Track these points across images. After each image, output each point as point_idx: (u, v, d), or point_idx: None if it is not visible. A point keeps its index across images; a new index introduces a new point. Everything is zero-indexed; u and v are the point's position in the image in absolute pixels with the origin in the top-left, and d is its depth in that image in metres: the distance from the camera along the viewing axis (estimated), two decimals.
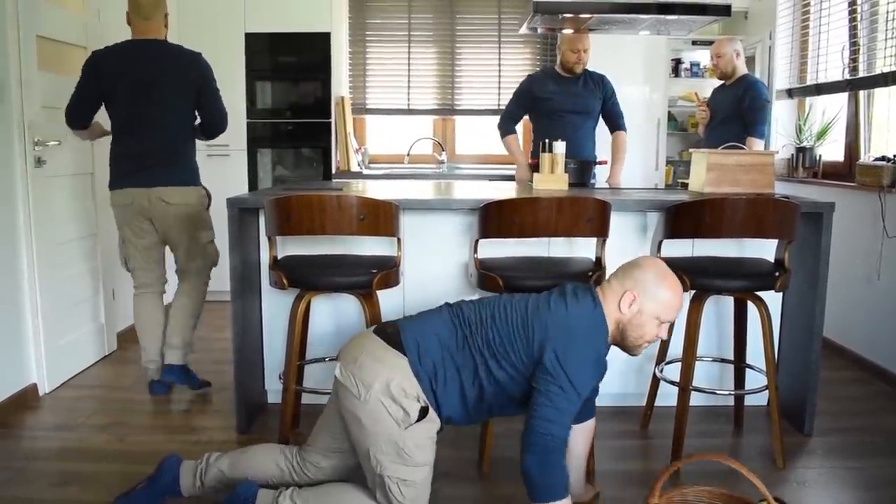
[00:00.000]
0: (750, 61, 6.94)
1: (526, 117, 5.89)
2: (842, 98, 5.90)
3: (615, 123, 5.75)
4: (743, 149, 4.81)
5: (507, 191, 4.65)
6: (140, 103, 4.46)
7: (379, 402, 2.74)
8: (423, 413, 2.77)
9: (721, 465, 3.72)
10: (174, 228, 4.62)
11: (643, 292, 2.87)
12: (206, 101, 4.57)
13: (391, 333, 2.87)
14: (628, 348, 3.00)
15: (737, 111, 5.65)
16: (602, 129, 5.79)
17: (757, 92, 5.65)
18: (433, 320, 2.92)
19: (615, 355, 4.31)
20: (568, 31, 5.46)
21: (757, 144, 5.56)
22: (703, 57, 7.35)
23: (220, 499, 3.12)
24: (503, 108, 5.84)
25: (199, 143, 4.81)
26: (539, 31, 5.76)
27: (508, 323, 2.83)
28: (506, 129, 5.84)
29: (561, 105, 5.57)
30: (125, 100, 4.47)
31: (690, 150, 4.69)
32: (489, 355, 2.81)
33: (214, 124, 4.65)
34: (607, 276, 3.02)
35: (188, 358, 4.79)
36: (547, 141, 4.71)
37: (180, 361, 4.71)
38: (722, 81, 5.90)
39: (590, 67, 5.69)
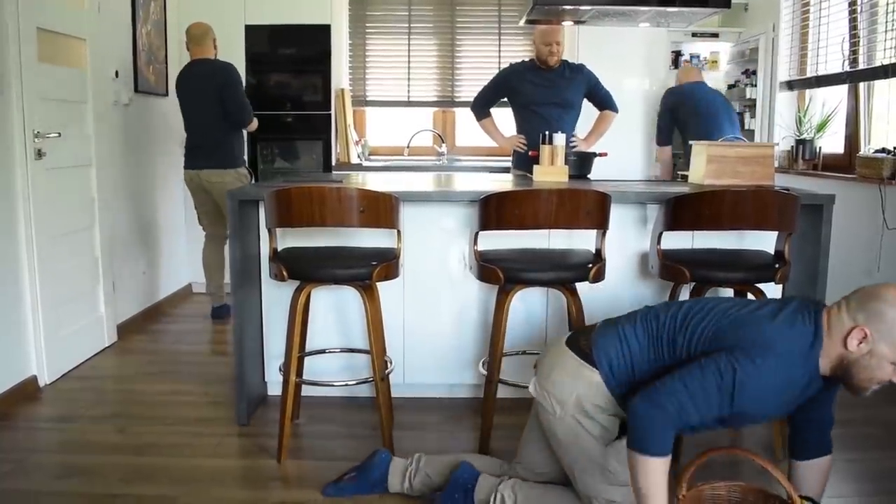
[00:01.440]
0: (752, 53, 6.93)
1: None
2: (842, 90, 5.90)
3: (605, 105, 5.69)
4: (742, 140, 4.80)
5: (508, 183, 4.64)
6: (191, 108, 5.89)
7: (574, 419, 2.66)
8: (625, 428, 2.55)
9: (727, 459, 3.73)
10: (221, 199, 5.83)
11: (878, 331, 2.36)
12: (225, 96, 5.78)
13: (583, 346, 2.74)
14: (852, 388, 2.55)
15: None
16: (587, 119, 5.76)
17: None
18: (626, 329, 2.71)
19: None
20: (542, 25, 5.44)
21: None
22: (703, 49, 7.34)
23: (428, 498, 3.20)
24: (503, 100, 5.80)
25: None
26: (539, 22, 5.74)
27: (705, 332, 2.53)
28: (480, 112, 5.78)
29: (540, 97, 5.52)
30: (184, 106, 5.94)
31: (691, 141, 4.68)
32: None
33: (234, 114, 5.85)
34: (839, 300, 2.51)
35: (220, 299, 6.20)
36: (547, 133, 4.69)
37: (216, 303, 6.23)
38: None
39: (589, 60, 5.66)
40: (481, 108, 5.76)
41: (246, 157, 6.84)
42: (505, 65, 6.62)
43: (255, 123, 6.04)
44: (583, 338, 2.78)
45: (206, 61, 5.85)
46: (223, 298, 6.19)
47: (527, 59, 5.72)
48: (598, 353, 2.66)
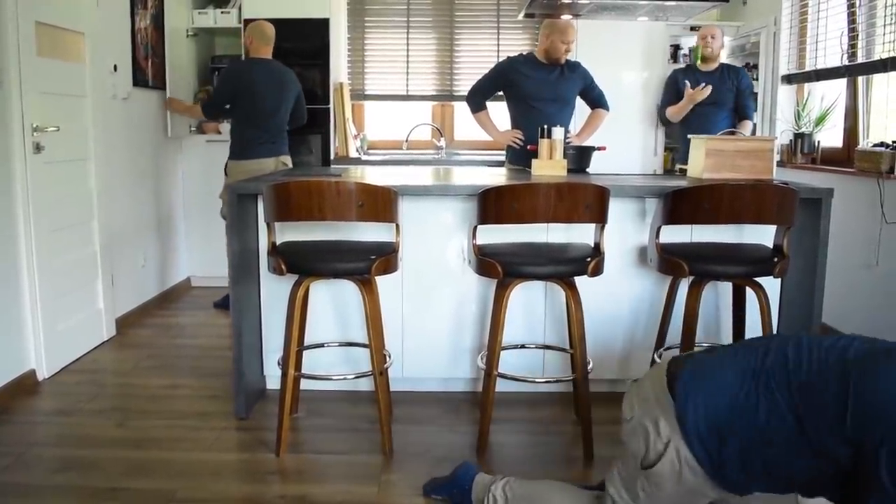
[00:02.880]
0: (753, 47, 6.92)
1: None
2: (840, 84, 5.88)
3: (597, 104, 5.71)
4: (741, 134, 4.80)
5: (506, 177, 4.63)
6: (272, 103, 6.00)
7: (640, 424, 2.39)
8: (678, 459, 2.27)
9: None
10: None
11: None
12: (300, 103, 6.19)
13: (672, 373, 2.37)
14: None
15: (729, 97, 5.90)
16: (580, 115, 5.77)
17: (748, 77, 6.01)
18: (724, 368, 2.27)
19: (613, 339, 4.33)
20: (560, 21, 5.40)
21: (750, 127, 5.81)
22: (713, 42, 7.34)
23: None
24: (501, 94, 5.78)
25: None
26: (537, 16, 5.74)
27: (818, 387, 2.05)
28: (476, 104, 5.73)
29: (538, 92, 5.50)
30: (262, 98, 5.97)
31: (689, 135, 4.68)
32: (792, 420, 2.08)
33: (303, 119, 6.30)
34: None
35: None
36: (546, 126, 4.69)
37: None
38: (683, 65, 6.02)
39: (587, 54, 5.66)
40: (478, 100, 5.72)
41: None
42: (503, 57, 6.62)
43: None
44: (674, 366, 2.42)
45: (279, 64, 6.05)
46: None
47: (525, 53, 5.70)
48: (682, 399, 2.28)
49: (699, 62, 6.08)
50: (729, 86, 5.92)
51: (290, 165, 6.10)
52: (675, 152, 6.57)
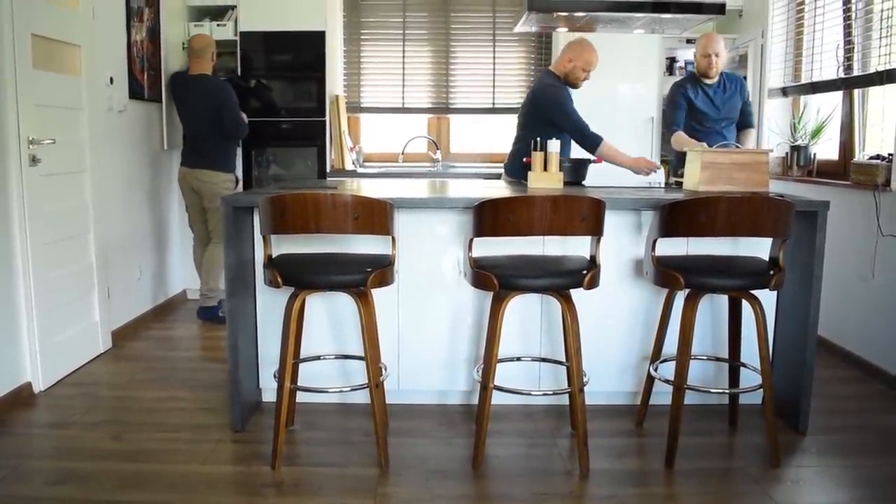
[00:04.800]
0: (742, 59, 6.95)
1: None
2: (836, 96, 5.91)
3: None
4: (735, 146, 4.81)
5: (502, 189, 4.65)
6: (190, 118, 6.36)
7: None
8: None
9: (715, 459, 3.75)
10: (207, 199, 6.24)
11: None
12: (224, 115, 6.14)
13: None
14: None
15: (738, 107, 5.84)
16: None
17: (745, 84, 5.98)
18: None
19: (609, 352, 4.35)
20: (589, 49, 5.38)
21: (754, 135, 5.85)
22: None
23: None
24: (497, 106, 5.80)
25: None
26: (533, 29, 5.75)
27: None
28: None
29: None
30: (182, 114, 6.44)
31: (687, 148, 4.69)
32: None
33: (232, 130, 6.24)
34: None
35: (210, 301, 6.31)
36: (539, 139, 4.70)
37: (202, 303, 6.37)
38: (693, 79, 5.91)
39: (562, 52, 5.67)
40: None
41: (240, 164, 6.87)
42: (499, 71, 6.69)
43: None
44: None
45: (203, 78, 6.22)
46: (211, 300, 6.33)
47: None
48: None
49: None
50: (736, 99, 5.81)
51: (207, 181, 6.21)
52: (672, 164, 6.59)
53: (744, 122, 5.92)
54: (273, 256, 3.76)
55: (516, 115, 5.72)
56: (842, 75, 5.69)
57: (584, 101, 5.47)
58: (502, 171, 5.93)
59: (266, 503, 3.34)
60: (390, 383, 4.26)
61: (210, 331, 6.09)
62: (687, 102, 5.76)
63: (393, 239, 3.73)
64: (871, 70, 5.32)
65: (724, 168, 4.34)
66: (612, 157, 5.17)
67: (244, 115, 6.26)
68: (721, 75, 5.72)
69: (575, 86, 5.44)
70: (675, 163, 5.78)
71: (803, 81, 6.36)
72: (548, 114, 5.25)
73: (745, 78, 6.77)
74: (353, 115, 7.90)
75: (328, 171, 7.05)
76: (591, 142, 5.18)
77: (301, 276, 3.58)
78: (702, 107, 5.70)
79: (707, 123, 5.72)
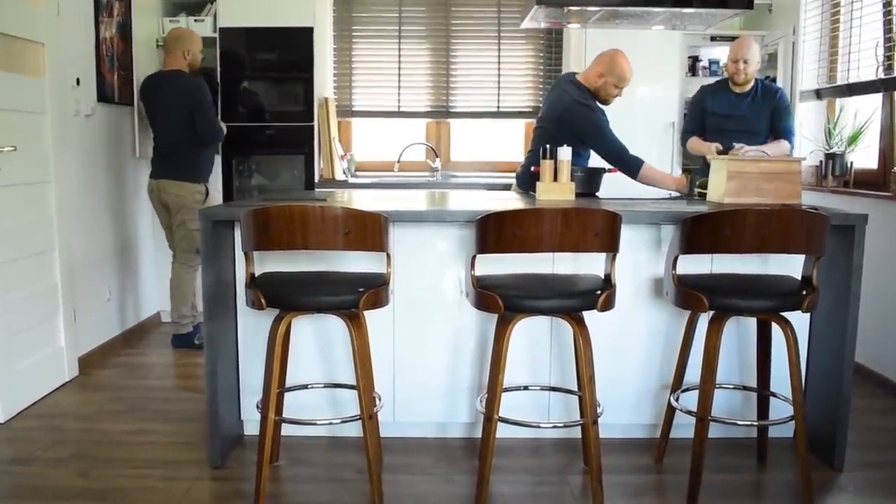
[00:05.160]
0: (772, 58, 6.97)
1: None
2: (876, 99, 5.93)
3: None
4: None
5: (507, 201, 4.67)
6: (160, 121, 6.23)
7: None
8: None
9: (742, 498, 3.75)
10: (175, 213, 6.20)
11: None
12: (197, 118, 6.07)
13: None
14: None
15: (763, 122, 5.82)
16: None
17: (786, 97, 5.95)
18: None
19: (626, 380, 4.35)
20: (623, 64, 5.41)
21: (787, 148, 5.76)
22: (722, 54, 7.37)
23: None
24: (502, 110, 5.83)
25: None
26: (542, 26, 5.78)
27: None
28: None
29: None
30: (151, 117, 6.30)
31: (701, 152, 4.70)
32: None
33: (206, 135, 6.18)
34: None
35: (183, 328, 6.34)
36: (548, 147, 4.71)
37: (175, 331, 6.40)
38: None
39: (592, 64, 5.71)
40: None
41: (219, 174, 6.89)
42: (505, 72, 6.70)
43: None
44: None
45: (175, 75, 6.16)
46: (184, 327, 6.37)
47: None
48: None
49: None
50: (763, 111, 5.82)
51: (173, 193, 6.16)
52: (695, 173, 6.62)
53: (775, 134, 5.89)
54: (256, 275, 3.78)
55: (522, 120, 5.76)
56: (881, 76, 5.71)
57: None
58: (513, 181, 5.95)
59: None
60: (385, 415, 4.27)
61: (186, 357, 6.10)
62: (702, 109, 5.89)
63: (388, 256, 3.74)
64: None
65: (753, 178, 4.35)
66: (655, 179, 5.24)
67: (221, 122, 6.29)
68: (757, 84, 5.76)
69: (606, 102, 5.42)
70: (701, 171, 5.81)
71: (839, 83, 6.38)
72: (580, 135, 5.24)
73: (773, 80, 6.80)
74: (344, 120, 7.93)
75: (317, 181, 7.07)
76: (632, 166, 5.20)
77: (287, 296, 3.60)
78: (719, 112, 5.79)
79: (723, 130, 5.75)
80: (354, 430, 4.24)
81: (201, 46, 6.30)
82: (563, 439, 4.40)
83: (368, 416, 3.68)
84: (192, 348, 6.26)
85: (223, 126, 6.32)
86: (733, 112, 5.77)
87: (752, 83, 5.80)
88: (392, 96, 7.95)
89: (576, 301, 3.62)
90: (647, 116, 6.83)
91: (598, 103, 5.35)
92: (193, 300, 6.33)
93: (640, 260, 4.27)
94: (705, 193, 4.80)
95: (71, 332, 5.47)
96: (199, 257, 6.01)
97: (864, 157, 6.08)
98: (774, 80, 6.90)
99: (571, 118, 5.30)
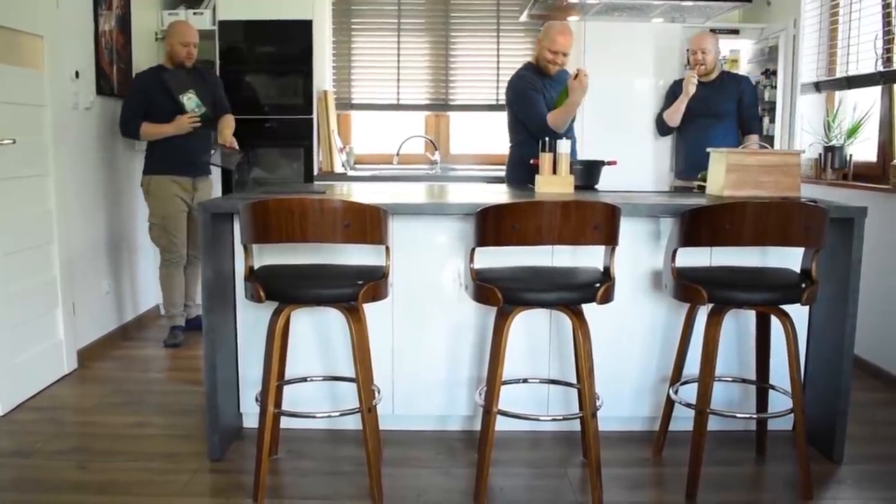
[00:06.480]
0: (772, 52, 6.96)
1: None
2: (875, 92, 5.92)
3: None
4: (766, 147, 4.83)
5: (506, 194, 4.66)
6: None
7: None
8: None
9: (740, 491, 3.75)
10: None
11: None
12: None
13: None
14: None
15: (730, 107, 6.21)
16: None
17: (751, 87, 6.42)
18: None
19: (625, 373, 4.35)
20: (554, 25, 5.48)
21: (755, 141, 6.12)
22: (722, 47, 7.35)
23: None
24: (502, 103, 5.83)
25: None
26: (542, 18, 5.77)
27: None
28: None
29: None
30: None
31: (708, 149, 4.70)
32: None
33: None
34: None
35: (175, 319, 6.38)
36: (548, 140, 4.71)
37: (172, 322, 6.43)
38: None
39: (596, 59, 5.72)
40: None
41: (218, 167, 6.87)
42: (504, 64, 6.68)
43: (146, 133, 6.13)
44: None
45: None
46: (175, 318, 6.41)
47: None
48: None
49: None
50: (728, 96, 6.23)
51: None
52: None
53: (745, 127, 6.29)
54: (255, 268, 3.77)
55: None
56: (881, 69, 5.69)
57: (596, 99, 5.49)
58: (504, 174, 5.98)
59: None
60: (384, 408, 4.26)
61: (185, 350, 6.10)
62: (674, 97, 6.29)
63: (387, 249, 3.74)
64: None
65: (752, 171, 4.34)
66: (564, 113, 5.37)
67: (132, 117, 6.07)
68: (722, 75, 6.25)
69: (547, 72, 5.53)
70: (679, 164, 6.25)
71: (838, 76, 6.37)
72: (513, 108, 5.37)
73: (774, 73, 6.81)
74: (343, 113, 7.93)
75: (316, 174, 7.06)
76: (543, 124, 5.41)
77: (286, 289, 3.59)
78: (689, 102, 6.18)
79: (691, 116, 6.19)
80: (353, 423, 4.23)
81: (185, 40, 6.02)
82: (563, 432, 4.40)
83: (367, 408, 3.68)
84: (184, 335, 6.38)
85: (129, 123, 6.07)
86: (699, 98, 6.09)
87: (716, 73, 6.22)
88: (391, 89, 7.94)
89: (575, 294, 3.61)
90: (645, 111, 6.79)
91: (538, 75, 5.53)
92: (179, 296, 6.38)
93: (639, 253, 4.26)
94: (704, 186, 4.80)
95: (70, 325, 5.47)
96: (166, 253, 6.26)
97: (864, 149, 6.07)
98: (774, 73, 6.90)
99: (508, 94, 5.60)
